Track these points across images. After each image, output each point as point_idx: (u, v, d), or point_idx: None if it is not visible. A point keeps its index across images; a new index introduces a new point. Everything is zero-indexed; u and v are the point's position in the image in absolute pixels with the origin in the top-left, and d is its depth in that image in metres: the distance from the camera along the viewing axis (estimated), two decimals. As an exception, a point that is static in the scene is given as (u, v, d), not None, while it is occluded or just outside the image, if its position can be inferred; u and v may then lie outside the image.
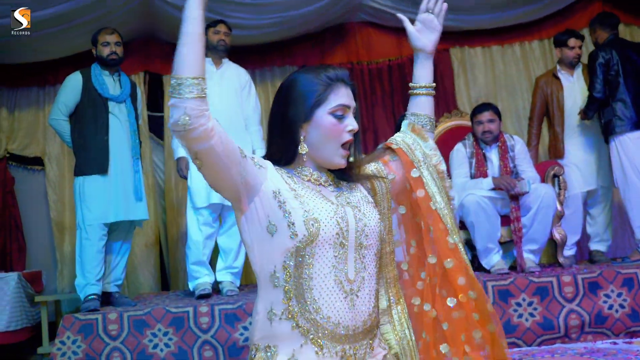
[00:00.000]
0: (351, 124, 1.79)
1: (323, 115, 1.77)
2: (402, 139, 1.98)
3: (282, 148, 1.82)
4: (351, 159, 1.84)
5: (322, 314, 1.71)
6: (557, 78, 5.60)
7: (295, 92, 1.79)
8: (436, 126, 5.75)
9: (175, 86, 1.58)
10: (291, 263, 1.70)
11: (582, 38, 5.61)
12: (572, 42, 5.53)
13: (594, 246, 5.59)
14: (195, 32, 1.60)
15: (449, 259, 1.86)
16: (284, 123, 1.79)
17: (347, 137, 1.78)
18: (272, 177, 1.75)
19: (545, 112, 5.68)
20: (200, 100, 1.58)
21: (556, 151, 5.58)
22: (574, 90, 5.55)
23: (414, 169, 1.93)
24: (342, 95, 1.78)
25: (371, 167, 1.94)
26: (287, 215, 1.70)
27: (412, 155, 1.94)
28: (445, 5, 1.90)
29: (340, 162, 1.80)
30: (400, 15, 1.93)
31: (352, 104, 1.81)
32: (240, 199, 1.73)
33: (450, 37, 6.93)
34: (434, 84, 2.00)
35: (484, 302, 1.87)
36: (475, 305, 1.87)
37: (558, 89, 5.57)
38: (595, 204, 5.58)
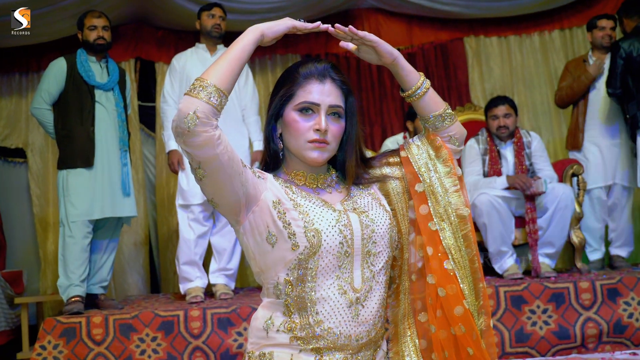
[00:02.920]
0: (318, 122, 1.77)
1: (289, 112, 1.80)
2: (413, 145, 1.93)
3: (265, 144, 1.87)
4: (349, 160, 1.85)
5: (323, 326, 1.72)
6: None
7: (276, 86, 1.85)
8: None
9: (196, 86, 1.61)
10: (294, 276, 1.73)
11: (614, 19, 5.58)
12: (602, 22, 5.52)
13: (615, 251, 5.54)
14: (241, 58, 1.67)
15: (442, 288, 1.81)
16: (266, 117, 1.85)
17: (313, 135, 1.77)
18: (271, 187, 1.78)
19: None
20: (214, 110, 1.60)
21: (574, 141, 5.56)
22: (600, 80, 5.50)
23: (419, 183, 1.88)
24: (311, 92, 1.78)
25: (385, 169, 1.93)
26: (286, 226, 1.72)
27: (417, 167, 1.89)
28: (350, 27, 1.79)
29: (312, 155, 1.79)
30: (342, 44, 1.84)
31: (325, 101, 1.78)
32: (239, 211, 1.75)
33: (464, 25, 6.93)
34: (422, 80, 1.86)
35: (479, 339, 1.81)
36: (470, 339, 1.81)
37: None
38: (616, 206, 5.54)
